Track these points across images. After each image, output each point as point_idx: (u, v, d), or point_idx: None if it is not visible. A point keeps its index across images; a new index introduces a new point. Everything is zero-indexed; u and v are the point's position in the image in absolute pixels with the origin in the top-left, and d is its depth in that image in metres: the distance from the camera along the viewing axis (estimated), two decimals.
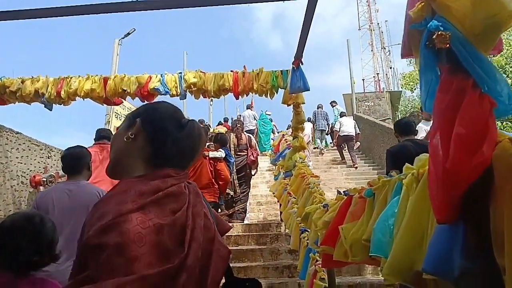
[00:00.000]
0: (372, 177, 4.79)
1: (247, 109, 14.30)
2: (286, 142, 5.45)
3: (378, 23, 30.49)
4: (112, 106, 9.26)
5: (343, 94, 17.72)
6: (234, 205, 6.52)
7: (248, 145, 6.80)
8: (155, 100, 4.98)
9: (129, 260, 0.72)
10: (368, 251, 1.53)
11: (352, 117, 12.32)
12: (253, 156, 6.75)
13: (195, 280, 0.81)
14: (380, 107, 14.67)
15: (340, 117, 11.97)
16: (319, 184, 3.61)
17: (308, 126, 11.02)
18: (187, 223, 0.83)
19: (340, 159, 11.41)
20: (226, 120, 14.11)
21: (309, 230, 3.58)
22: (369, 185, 1.69)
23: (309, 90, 4.42)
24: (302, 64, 4.28)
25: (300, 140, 4.68)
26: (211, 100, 22.13)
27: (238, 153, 6.73)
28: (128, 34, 10.54)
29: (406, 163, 1.41)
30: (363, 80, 21.05)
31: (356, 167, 11.00)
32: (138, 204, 0.80)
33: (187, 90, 4.89)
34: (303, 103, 4.77)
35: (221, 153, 4.57)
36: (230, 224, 6.19)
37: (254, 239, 5.70)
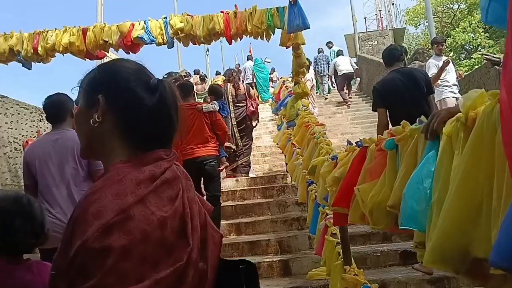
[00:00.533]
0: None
1: (247, 60, 13.63)
2: (287, 89, 5.04)
3: None
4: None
5: (345, 35, 16.88)
6: (237, 159, 6.24)
7: (246, 95, 6.37)
8: (140, 50, 4.54)
9: (138, 263, 0.68)
10: (393, 218, 1.22)
11: (347, 56, 12.03)
12: (253, 107, 6.34)
13: (199, 271, 0.77)
14: (384, 45, 13.87)
15: (336, 56, 11.70)
16: (325, 132, 3.28)
17: (310, 70, 10.80)
18: (185, 212, 0.78)
19: (344, 102, 11.17)
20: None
21: (316, 183, 3.31)
22: (390, 134, 1.34)
23: (309, 28, 3.96)
24: None
25: (302, 85, 4.28)
26: (207, 50, 21.34)
27: (237, 104, 6.33)
28: None
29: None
30: (365, 18, 19.98)
31: (349, 105, 10.97)
32: (138, 196, 0.74)
33: (174, 37, 4.43)
34: (303, 43, 4.30)
35: (214, 106, 4.19)
36: (235, 179, 5.99)
37: (260, 193, 5.48)
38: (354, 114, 10.44)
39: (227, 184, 5.86)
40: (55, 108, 2.63)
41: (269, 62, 20.51)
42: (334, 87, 13.00)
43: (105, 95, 0.83)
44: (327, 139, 3.15)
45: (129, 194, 0.73)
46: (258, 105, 6.47)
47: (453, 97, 5.98)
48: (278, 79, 13.00)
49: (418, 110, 3.37)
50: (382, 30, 15.00)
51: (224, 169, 5.66)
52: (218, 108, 4.38)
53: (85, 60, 4.64)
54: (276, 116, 8.43)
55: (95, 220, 0.69)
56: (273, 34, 4.36)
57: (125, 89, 0.85)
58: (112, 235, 0.68)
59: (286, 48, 4.40)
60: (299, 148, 4.36)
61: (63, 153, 2.46)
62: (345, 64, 11.41)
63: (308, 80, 6.76)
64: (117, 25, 4.39)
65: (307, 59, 4.56)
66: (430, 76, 6.03)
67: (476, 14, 14.72)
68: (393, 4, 26.68)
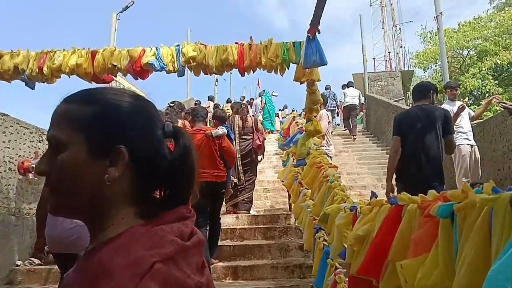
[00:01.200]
0: (386, 161, 4.21)
1: (259, 97, 13.97)
2: (298, 125, 4.84)
3: None
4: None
5: (353, 74, 16.90)
6: (238, 194, 5.97)
7: (254, 128, 6.19)
8: (149, 76, 4.39)
9: None
10: None
11: (357, 89, 12.29)
12: (259, 140, 6.14)
13: None
14: (394, 87, 13.89)
15: (348, 87, 11.94)
16: (339, 176, 3.03)
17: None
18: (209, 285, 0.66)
19: (348, 132, 11.47)
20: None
21: (326, 231, 3.03)
22: (444, 198, 1.10)
23: (326, 64, 3.80)
24: (319, 33, 3.65)
25: (315, 123, 4.07)
26: (216, 80, 21.45)
27: (243, 137, 6.13)
28: (127, 7, 9.85)
29: None
30: (373, 59, 20.18)
31: (355, 139, 11.44)
32: (171, 251, 0.59)
33: (186, 65, 4.28)
34: (319, 80, 4.14)
35: (223, 130, 4.26)
36: (235, 216, 5.69)
37: (261, 233, 5.17)
38: (360, 154, 10.22)
39: (227, 220, 5.55)
40: None
41: (276, 96, 20.73)
42: (338, 124, 13.17)
43: (128, 147, 0.66)
44: (341, 183, 2.90)
45: (167, 245, 0.60)
46: (265, 139, 6.25)
47: (468, 144, 5.77)
48: (287, 115, 13.12)
49: (425, 147, 3.62)
50: (392, 72, 15.01)
51: (224, 203, 5.49)
52: (227, 131, 4.41)
53: (91, 83, 4.48)
54: (282, 151, 8.24)
55: (128, 270, 0.55)
56: (288, 69, 4.21)
57: (150, 139, 0.70)
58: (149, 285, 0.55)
59: (300, 84, 4.23)
60: (307, 189, 4.10)
61: None
62: (352, 97, 11.77)
63: (323, 117, 6.56)
64: (127, 50, 4.26)
65: (322, 94, 4.39)
66: None
67: (486, 60, 14.78)
68: (401, 47, 27.13)
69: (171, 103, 5.68)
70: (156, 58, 4.22)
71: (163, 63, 4.20)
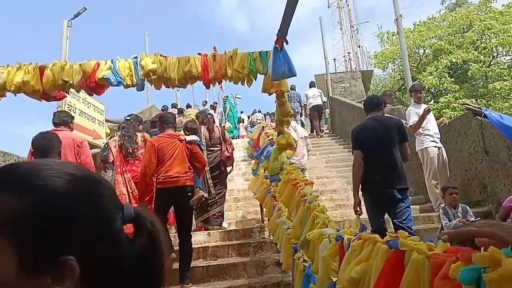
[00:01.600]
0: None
1: (223, 103, 14.31)
2: (267, 136, 4.65)
3: (346, 0, 30.00)
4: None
5: (315, 75, 16.99)
6: (209, 208, 5.70)
7: (221, 139, 5.95)
8: (105, 91, 4.05)
9: None
10: None
11: (317, 88, 12.41)
12: (228, 152, 5.90)
13: None
14: (356, 88, 14.06)
15: (310, 87, 12.09)
16: (318, 195, 2.86)
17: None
18: None
19: (315, 134, 11.65)
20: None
21: (306, 254, 2.86)
22: (465, 259, 0.93)
23: (295, 75, 3.63)
24: (287, 43, 3.47)
25: (287, 136, 3.89)
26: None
27: (211, 149, 5.88)
28: (79, 14, 9.28)
29: None
30: (334, 60, 20.44)
31: (321, 136, 11.89)
32: None
33: (145, 79, 3.98)
34: (288, 91, 3.97)
35: (196, 137, 4.50)
36: (207, 232, 5.42)
37: (235, 249, 4.94)
38: (328, 157, 10.22)
39: (198, 238, 5.28)
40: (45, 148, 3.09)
41: (239, 98, 20.67)
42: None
43: (78, 255, 0.47)
44: (320, 203, 2.73)
45: None
46: (234, 149, 6.02)
47: (435, 146, 5.81)
48: (258, 121, 13.08)
49: (386, 155, 3.86)
50: (353, 73, 15.20)
51: (194, 219, 5.28)
52: (199, 140, 4.62)
53: (41, 101, 4.07)
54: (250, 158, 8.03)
55: None
56: (255, 80, 4.00)
57: (106, 237, 0.52)
58: None
59: (269, 95, 4.04)
60: (283, 205, 3.92)
61: None
62: (314, 97, 12.06)
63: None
64: (79, 64, 3.90)
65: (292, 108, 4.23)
66: (411, 124, 5.89)
67: (442, 59, 15.29)
68: (359, 46, 27.73)
69: (127, 116, 5.35)
70: (112, 72, 3.88)
71: (120, 77, 3.88)
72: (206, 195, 5.67)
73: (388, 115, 4.78)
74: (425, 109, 5.66)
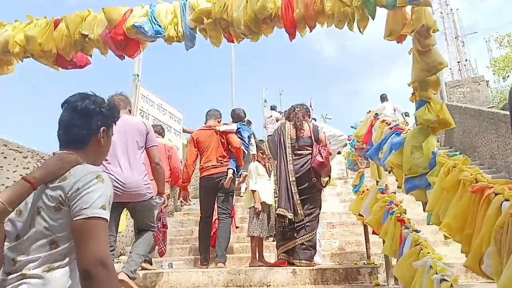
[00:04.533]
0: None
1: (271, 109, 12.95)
2: (387, 124, 2.88)
3: (451, 9, 27.16)
4: (137, 100, 7.27)
5: None
6: (295, 235, 4.02)
7: (313, 139, 4.29)
8: (139, 52, 2.72)
9: None
10: None
11: (389, 101, 10.28)
12: (322, 156, 4.18)
13: None
14: (480, 93, 11.31)
15: (381, 102, 10.23)
16: None
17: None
18: None
19: None
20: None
21: None
22: None
23: None
24: None
25: (437, 107, 2.12)
26: (265, 101, 19.77)
27: (298, 152, 4.25)
28: None
29: None
30: (450, 69, 17.78)
31: None
32: None
33: (196, 28, 2.56)
34: (435, 30, 2.22)
35: (232, 126, 4.82)
36: (291, 269, 3.67)
37: None
38: None
39: (278, 277, 3.62)
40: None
41: (330, 119, 19.44)
42: None
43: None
44: None
45: None
46: (331, 154, 4.27)
47: None
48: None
49: None
50: (474, 76, 12.49)
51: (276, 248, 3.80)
52: (237, 128, 4.82)
53: (58, 69, 2.89)
54: (351, 172, 6.27)
55: None
56: (373, 18, 2.33)
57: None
58: None
59: (397, 42, 2.33)
60: (417, 231, 2.13)
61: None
62: (389, 112, 9.75)
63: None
64: (104, 11, 2.64)
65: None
66: None
67: None
68: (466, 60, 24.50)
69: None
70: (149, 19, 2.55)
71: (159, 25, 2.52)
72: (290, 216, 4.02)
73: None
74: None
